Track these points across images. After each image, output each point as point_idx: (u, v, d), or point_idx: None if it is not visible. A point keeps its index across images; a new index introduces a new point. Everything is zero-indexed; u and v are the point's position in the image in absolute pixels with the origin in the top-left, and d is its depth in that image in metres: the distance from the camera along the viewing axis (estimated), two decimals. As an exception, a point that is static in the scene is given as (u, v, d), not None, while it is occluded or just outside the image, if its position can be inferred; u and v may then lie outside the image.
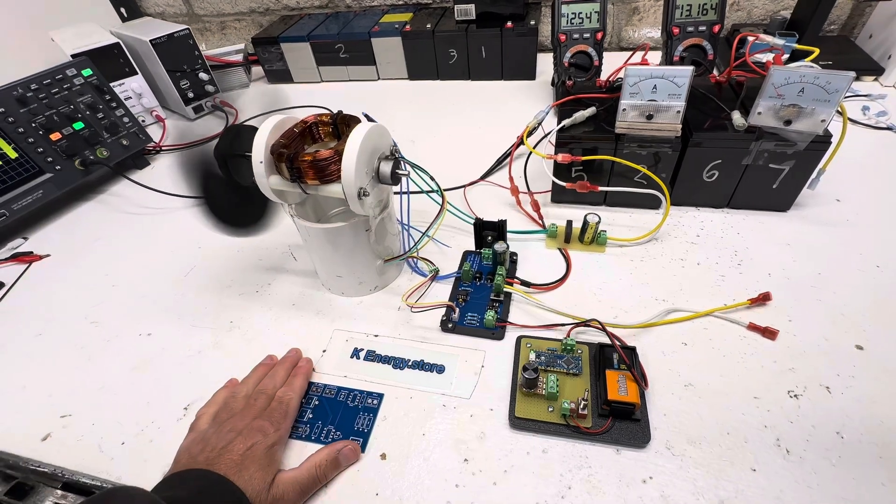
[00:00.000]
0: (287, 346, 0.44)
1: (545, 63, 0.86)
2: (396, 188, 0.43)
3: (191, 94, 0.85)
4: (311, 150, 0.42)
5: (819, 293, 0.43)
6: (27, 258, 0.58)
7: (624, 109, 0.48)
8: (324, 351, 0.43)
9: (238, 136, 0.42)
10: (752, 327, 0.40)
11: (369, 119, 0.41)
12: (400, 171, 0.40)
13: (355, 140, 0.36)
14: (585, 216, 0.48)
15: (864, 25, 0.78)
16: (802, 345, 0.39)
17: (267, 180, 0.40)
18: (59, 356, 0.46)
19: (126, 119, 0.71)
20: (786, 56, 0.66)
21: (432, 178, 0.45)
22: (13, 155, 0.60)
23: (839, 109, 0.43)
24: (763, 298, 0.42)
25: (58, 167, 0.63)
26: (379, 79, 0.92)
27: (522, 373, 0.35)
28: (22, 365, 0.45)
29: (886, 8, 0.72)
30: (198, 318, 0.48)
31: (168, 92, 0.84)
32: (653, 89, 0.46)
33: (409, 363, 0.41)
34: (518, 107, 0.78)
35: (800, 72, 0.42)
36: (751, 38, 0.56)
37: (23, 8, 0.91)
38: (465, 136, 0.73)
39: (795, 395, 0.36)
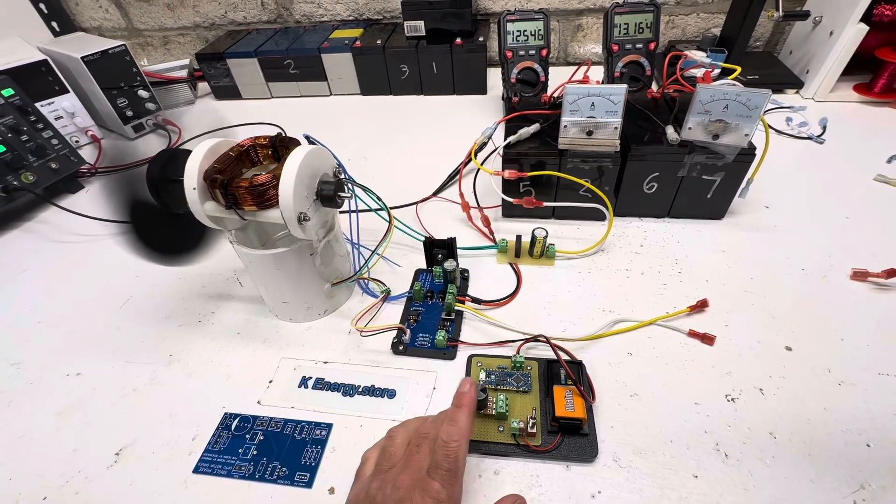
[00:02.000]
0: (230, 378, 0.42)
1: (496, 77, 0.87)
2: (345, 207, 0.42)
3: (129, 113, 0.80)
4: (249, 174, 0.41)
5: (752, 298, 0.45)
6: (-61, 296, 0.53)
7: (565, 126, 0.49)
8: (270, 381, 0.41)
9: (172, 160, 0.40)
10: (692, 334, 0.42)
11: (310, 141, 0.40)
12: (342, 194, 0.40)
13: (293, 164, 0.36)
14: (533, 231, 0.49)
15: (785, 42, 0.84)
16: (738, 349, 0.41)
17: (202, 207, 0.38)
18: (-28, 404, 0.42)
19: (55, 141, 0.67)
20: (716, 71, 0.70)
21: (379, 199, 0.45)
22: (-79, 183, 0.55)
23: (762, 123, 0.46)
24: (701, 305, 0.44)
25: (-25, 195, 0.59)
26: (331, 94, 0.91)
27: (471, 394, 0.35)
28: (-72, 417, 0.41)
29: (803, 26, 0.78)
30: (133, 353, 0.45)
31: (104, 111, 0.80)
32: (591, 107, 0.48)
33: (360, 389, 0.40)
34: (470, 121, 0.78)
35: (723, 89, 0.45)
36: (682, 56, 0.59)
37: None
38: (419, 151, 0.73)
39: (732, 399, 0.37)
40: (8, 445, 0.38)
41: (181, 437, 0.38)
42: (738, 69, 0.52)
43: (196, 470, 0.35)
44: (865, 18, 0.67)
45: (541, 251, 0.51)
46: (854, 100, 0.74)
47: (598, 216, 0.55)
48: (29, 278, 0.56)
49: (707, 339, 0.41)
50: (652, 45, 0.69)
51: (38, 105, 0.72)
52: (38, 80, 0.73)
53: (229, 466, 0.35)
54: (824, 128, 0.68)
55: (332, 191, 0.39)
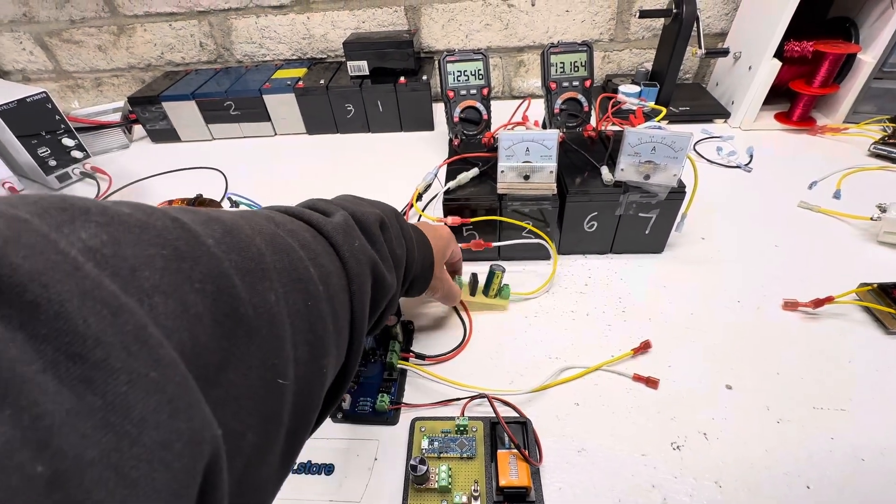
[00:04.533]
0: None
1: (443, 113, 0.88)
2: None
3: (52, 162, 0.75)
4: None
5: (692, 334, 0.46)
6: None
7: (503, 171, 0.49)
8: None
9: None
10: (637, 378, 0.42)
11: (234, 203, 0.38)
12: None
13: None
14: (491, 266, 0.48)
15: (712, 75, 0.89)
16: (681, 391, 0.41)
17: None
18: None
19: (-40, 199, 0.61)
20: (650, 103, 0.73)
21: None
22: None
23: (689, 160, 0.48)
24: (644, 346, 0.44)
25: None
26: (276, 134, 0.89)
27: (410, 471, 0.33)
28: None
29: (725, 62, 0.83)
30: None
31: (23, 160, 0.74)
32: (526, 151, 0.48)
33: (294, 467, 0.37)
34: (418, 159, 0.78)
35: (649, 133, 0.46)
36: (613, 98, 0.61)
37: None
38: (366, 190, 0.71)
39: (678, 447, 0.37)
40: None
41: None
42: (664, 110, 0.54)
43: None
44: (778, 54, 0.72)
45: (497, 290, 0.50)
46: (776, 128, 0.78)
47: (543, 255, 0.55)
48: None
49: (651, 382, 0.41)
50: (588, 83, 0.71)
51: (-56, 159, 0.67)
52: (-57, 132, 0.68)
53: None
54: (751, 156, 0.72)
55: (255, 256, 0.36)
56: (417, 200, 0.54)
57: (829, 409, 0.38)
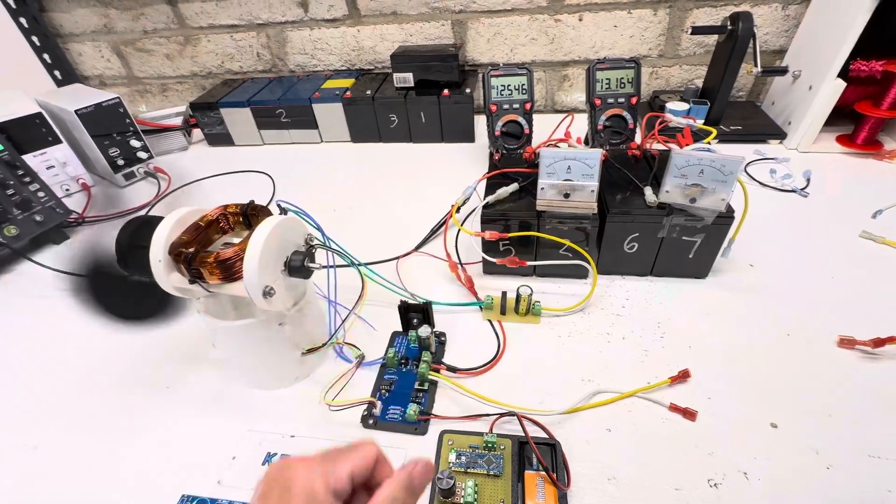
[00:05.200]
0: (192, 452, 0.40)
1: (484, 125, 0.89)
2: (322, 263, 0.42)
3: (120, 162, 0.82)
4: (220, 242, 0.40)
5: (736, 366, 0.44)
6: None
7: (542, 188, 0.49)
8: (233, 458, 0.40)
9: (144, 227, 0.40)
10: (673, 408, 0.40)
11: (282, 210, 0.40)
12: (312, 265, 0.39)
13: (258, 238, 0.35)
14: (518, 289, 0.48)
15: (767, 93, 0.85)
16: (721, 425, 0.39)
17: (167, 279, 0.38)
18: (-77, 480, 0.40)
19: (41, 193, 0.67)
20: (700, 121, 0.71)
21: (353, 264, 0.44)
22: None
23: (740, 183, 0.46)
24: (683, 376, 0.42)
25: (-45, 250, 0.58)
26: (322, 141, 0.93)
27: (437, 483, 0.33)
28: None
29: (783, 80, 0.79)
30: (95, 422, 0.43)
31: (96, 159, 0.81)
32: (567, 170, 0.48)
33: (325, 468, 0.38)
34: (457, 170, 0.79)
35: (698, 155, 0.45)
36: (660, 117, 0.59)
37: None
38: (405, 200, 0.73)
39: (715, 485, 0.35)
40: (-48, 530, 0.36)
41: (134, 523, 0.36)
42: (714, 132, 0.53)
43: (146, 562, 0.33)
44: (843, 74, 0.68)
45: (526, 308, 0.50)
46: (837, 151, 0.74)
47: (580, 274, 0.54)
48: None
49: (689, 414, 0.40)
50: (634, 100, 0.70)
51: (30, 155, 0.74)
52: (31, 131, 0.75)
53: (181, 558, 0.33)
54: (808, 180, 0.68)
55: (300, 262, 0.38)
56: (456, 213, 0.54)
57: (886, 458, 0.36)
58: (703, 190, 0.46)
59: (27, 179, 0.66)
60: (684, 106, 0.79)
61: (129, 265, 0.39)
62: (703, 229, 0.49)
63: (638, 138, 0.69)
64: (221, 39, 1.00)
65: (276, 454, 0.39)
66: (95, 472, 0.40)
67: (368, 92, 0.87)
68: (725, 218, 0.48)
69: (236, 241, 0.39)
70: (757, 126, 0.80)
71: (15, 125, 0.72)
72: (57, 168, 0.78)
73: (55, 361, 0.50)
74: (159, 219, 0.39)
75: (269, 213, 0.40)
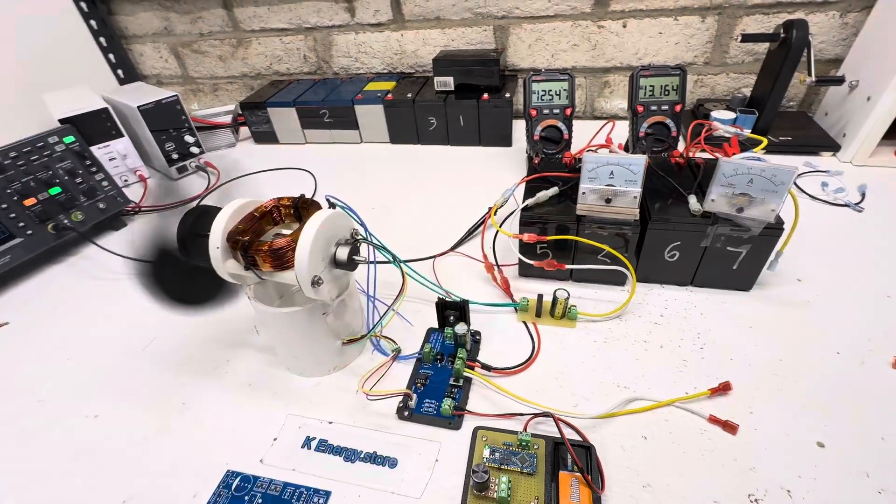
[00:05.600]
0: (236, 431, 0.42)
1: (522, 130, 0.89)
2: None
3: (175, 156, 0.86)
4: (271, 233, 0.43)
5: (780, 382, 0.42)
6: (-15, 326, 0.57)
7: (584, 193, 0.49)
8: (274, 439, 0.41)
9: (202, 217, 0.42)
10: (713, 420, 0.39)
11: (331, 204, 0.42)
12: (357, 258, 0.41)
13: (310, 230, 0.37)
14: (555, 292, 0.49)
15: (821, 103, 0.82)
16: (763, 440, 0.38)
17: (223, 265, 0.40)
18: (-3, 440, 0.44)
19: (105, 183, 0.72)
20: (747, 131, 0.69)
21: (394, 260, 0.45)
22: (-16, 221, 0.61)
23: (791, 195, 0.45)
24: (724, 388, 0.41)
25: (29, 232, 0.63)
26: (361, 142, 0.95)
27: (472, 475, 0.34)
28: (-43, 449, 0.43)
29: (839, 90, 0.76)
30: (149, 397, 0.46)
31: (153, 153, 0.86)
32: (610, 175, 0.48)
33: (362, 455, 0.39)
34: (494, 175, 0.80)
35: (747, 164, 0.44)
36: (706, 125, 0.58)
37: (24, 69, 0.95)
38: (442, 201, 0.75)
39: (756, 500, 0.34)
40: (22, 489, 0.40)
41: (182, 494, 0.38)
42: (765, 141, 0.51)
43: (193, 530, 0.35)
44: (905, 85, 0.65)
45: (562, 312, 0.50)
46: (895, 165, 0.70)
47: (617, 281, 0.54)
48: (63, 314, 0.59)
49: (729, 426, 0.39)
50: (678, 107, 0.69)
51: (95, 147, 0.79)
52: (98, 125, 0.80)
53: (226, 529, 0.35)
54: (863, 195, 0.65)
55: (346, 255, 0.40)
56: (494, 215, 0.55)
57: (945, 487, 0.34)
58: (752, 200, 0.45)
59: (94, 169, 0.71)
60: (730, 115, 0.77)
61: (189, 252, 0.42)
62: (750, 240, 0.48)
63: (681, 146, 0.67)
64: (271, 42, 1.05)
65: (314, 438, 0.41)
66: (150, 443, 0.42)
67: (409, 95, 0.89)
68: (774, 229, 0.46)
69: (286, 232, 0.41)
70: (808, 137, 0.77)
71: (84, 119, 0.78)
72: (118, 160, 0.84)
73: (113, 339, 0.54)
74: (217, 209, 0.42)
75: (320, 207, 0.42)
